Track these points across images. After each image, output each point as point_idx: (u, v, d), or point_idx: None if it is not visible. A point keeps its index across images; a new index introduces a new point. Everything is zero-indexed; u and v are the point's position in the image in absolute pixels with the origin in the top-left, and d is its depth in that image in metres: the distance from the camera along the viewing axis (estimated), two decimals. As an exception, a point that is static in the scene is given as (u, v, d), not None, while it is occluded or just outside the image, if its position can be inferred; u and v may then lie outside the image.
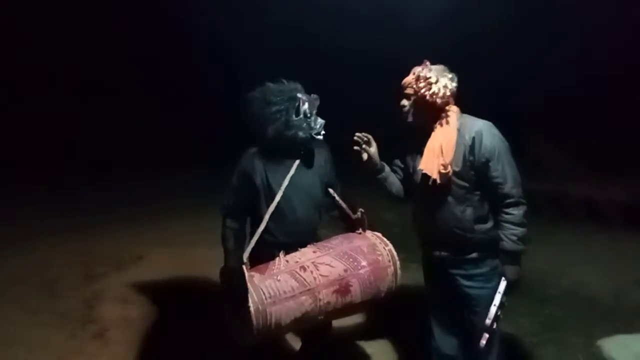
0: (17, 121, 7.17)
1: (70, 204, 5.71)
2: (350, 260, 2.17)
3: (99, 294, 3.62)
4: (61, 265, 4.05)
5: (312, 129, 2.20)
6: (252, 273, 2.07)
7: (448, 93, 2.14)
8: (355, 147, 2.26)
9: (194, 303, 3.35)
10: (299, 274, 2.06)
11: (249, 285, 1.99)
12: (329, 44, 7.21)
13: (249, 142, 2.26)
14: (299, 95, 2.19)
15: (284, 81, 2.23)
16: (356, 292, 2.14)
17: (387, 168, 2.36)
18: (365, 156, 2.27)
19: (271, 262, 2.14)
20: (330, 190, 2.36)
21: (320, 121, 2.22)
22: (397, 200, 2.44)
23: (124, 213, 5.48)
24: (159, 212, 5.57)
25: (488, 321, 2.15)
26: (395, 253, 2.28)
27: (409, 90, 2.18)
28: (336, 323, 2.49)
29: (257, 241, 2.19)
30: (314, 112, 2.21)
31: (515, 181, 2.13)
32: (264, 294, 1.98)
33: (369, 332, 3.20)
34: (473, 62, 5.95)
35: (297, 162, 2.24)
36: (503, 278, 2.17)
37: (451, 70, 2.19)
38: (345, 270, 2.13)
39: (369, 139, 2.27)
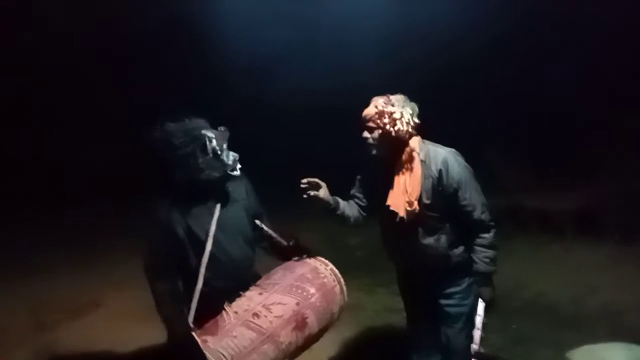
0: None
1: (15, 241, 5.31)
2: (299, 291, 2.09)
3: (50, 346, 3.39)
4: (8, 313, 3.78)
5: (225, 165, 2.03)
6: (204, 337, 1.89)
7: (412, 127, 2.16)
8: (305, 195, 2.18)
9: (155, 352, 3.17)
10: (254, 323, 1.95)
11: (206, 353, 1.81)
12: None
13: (156, 189, 2.07)
14: (204, 132, 2.01)
15: (186, 118, 2.04)
16: (313, 323, 2.08)
17: (340, 203, 2.32)
18: (317, 199, 2.19)
19: (219, 318, 1.98)
20: (257, 222, 2.23)
21: (232, 156, 2.05)
22: (357, 227, 2.43)
23: (75, 253, 5.13)
24: (114, 250, 5.27)
25: (475, 346, 2.23)
26: (337, 271, 2.24)
27: (372, 124, 2.17)
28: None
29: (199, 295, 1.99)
30: (225, 146, 2.04)
31: (483, 206, 2.20)
32: (223, 356, 1.84)
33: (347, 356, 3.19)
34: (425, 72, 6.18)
35: (219, 204, 2.07)
36: (480, 300, 2.25)
37: (410, 99, 2.20)
38: (297, 304, 2.06)
39: (316, 183, 2.19)
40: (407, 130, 2.14)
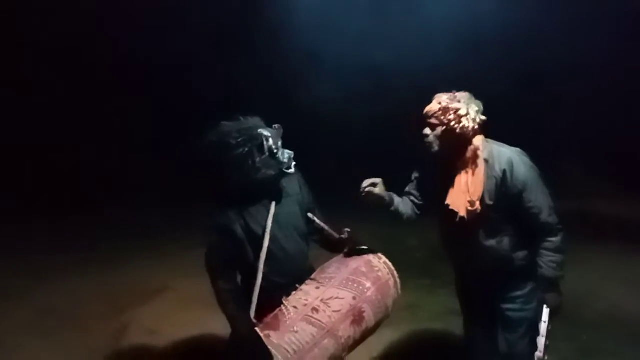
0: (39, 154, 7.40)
1: (94, 235, 5.82)
2: (355, 285, 2.09)
3: (126, 327, 3.66)
4: (89, 298, 4.13)
5: (281, 164, 2.03)
6: (267, 332, 1.94)
7: (477, 125, 2.09)
8: (362, 191, 2.17)
9: (222, 335, 3.34)
10: (314, 318, 1.97)
11: (270, 348, 1.85)
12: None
13: (214, 190, 2.11)
14: (261, 131, 2.01)
15: (241, 118, 2.05)
16: (370, 317, 2.08)
17: (395, 199, 2.30)
18: (372, 195, 2.17)
19: (279, 313, 2.02)
20: (310, 215, 2.23)
21: (287, 154, 2.05)
22: (411, 222, 2.39)
23: (148, 243, 5.54)
24: (182, 241, 5.59)
25: (539, 354, 2.12)
26: (390, 263, 2.21)
27: (434, 121, 2.09)
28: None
29: (252, 289, 2.04)
30: (280, 144, 2.03)
31: (550, 209, 2.10)
32: (287, 352, 1.87)
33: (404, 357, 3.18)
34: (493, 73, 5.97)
35: (274, 200, 2.09)
36: (545, 306, 2.15)
37: (475, 96, 2.13)
38: (354, 298, 2.06)
39: (373, 183, 2.18)
40: (473, 128, 2.07)
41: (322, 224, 2.24)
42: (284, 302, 2.04)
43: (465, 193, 2.09)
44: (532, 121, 6.26)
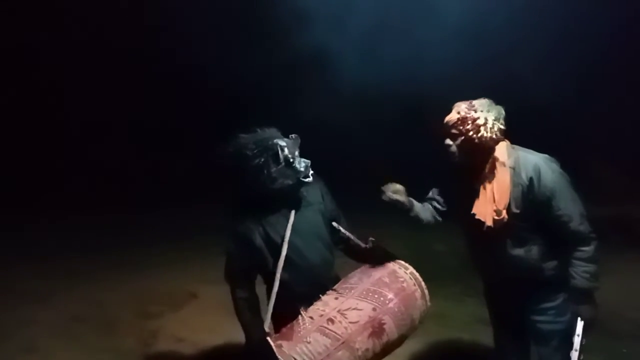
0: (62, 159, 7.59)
1: (121, 240, 5.91)
2: (376, 296, 2.03)
3: (155, 333, 3.71)
4: (118, 304, 4.18)
5: (298, 173, 2.04)
6: (279, 342, 1.93)
7: (497, 133, 2.04)
8: (383, 197, 2.20)
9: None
10: (329, 329, 1.93)
11: (280, 358, 1.84)
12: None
13: (233, 200, 2.13)
14: (276, 141, 2.04)
15: (258, 129, 2.08)
16: (391, 329, 2.02)
17: (415, 205, 2.28)
18: (394, 201, 2.20)
19: (295, 323, 2.00)
20: (334, 224, 2.21)
21: (304, 162, 2.06)
22: (430, 227, 2.36)
23: (175, 249, 5.60)
24: (209, 247, 5.64)
25: None
26: (417, 274, 2.15)
27: (454, 131, 2.07)
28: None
29: (277, 299, 2.04)
30: (297, 153, 2.05)
31: (582, 217, 2.03)
32: None
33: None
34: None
35: (294, 208, 2.09)
36: (579, 318, 2.05)
37: (496, 102, 2.08)
38: (374, 309, 2.00)
39: (395, 189, 2.20)
40: (492, 137, 2.02)
41: (348, 233, 2.21)
42: (302, 312, 2.03)
43: (491, 202, 2.04)
44: (564, 122, 6.07)
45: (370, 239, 2.19)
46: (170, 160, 7.97)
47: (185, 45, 7.16)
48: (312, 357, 1.87)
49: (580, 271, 2.02)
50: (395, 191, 2.19)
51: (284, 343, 1.92)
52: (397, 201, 2.19)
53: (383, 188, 2.21)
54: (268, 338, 1.94)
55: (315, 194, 2.18)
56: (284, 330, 2.01)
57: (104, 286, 4.53)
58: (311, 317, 1.99)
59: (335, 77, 5.93)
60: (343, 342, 1.91)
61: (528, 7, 5.54)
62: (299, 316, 2.01)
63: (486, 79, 4.47)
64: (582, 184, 2.18)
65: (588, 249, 2.02)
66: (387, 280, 2.10)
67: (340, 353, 1.90)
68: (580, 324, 2.05)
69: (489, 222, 2.04)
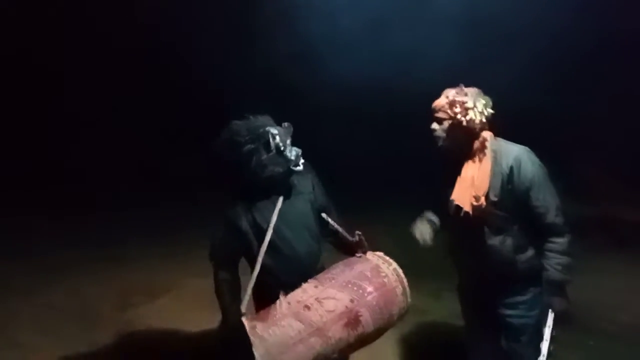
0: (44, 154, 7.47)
1: (102, 234, 5.84)
2: (355, 288, 2.04)
3: (132, 324, 3.68)
4: (96, 296, 4.15)
5: (288, 161, 2.07)
6: (254, 323, 1.95)
7: (484, 119, 2.06)
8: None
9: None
10: (304, 315, 1.95)
11: (251, 337, 1.87)
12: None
13: (225, 186, 2.19)
14: (268, 129, 2.06)
15: (251, 117, 2.11)
16: (367, 322, 2.02)
17: (436, 222, 2.30)
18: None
19: (272, 307, 2.02)
20: (324, 215, 2.24)
21: (295, 151, 2.09)
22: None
23: (156, 242, 5.56)
24: (190, 241, 5.60)
25: (543, 358, 2.06)
26: (400, 271, 2.15)
27: (442, 115, 2.09)
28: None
29: (261, 285, 2.08)
30: (288, 142, 2.09)
31: (557, 209, 2.05)
32: (268, 343, 1.87)
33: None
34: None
35: (282, 195, 2.12)
36: (550, 310, 2.08)
37: (484, 93, 2.11)
38: (352, 301, 2.01)
39: (424, 238, 2.25)
40: (480, 121, 2.04)
41: (336, 226, 2.23)
42: (281, 297, 2.04)
43: (470, 188, 2.05)
44: (550, 122, 6.09)
45: (357, 232, 2.20)
46: (154, 156, 7.88)
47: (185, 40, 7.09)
48: (284, 340, 1.88)
49: (554, 263, 2.05)
50: (423, 232, 2.23)
51: (259, 324, 1.94)
52: (423, 241, 2.24)
53: (416, 226, 2.26)
54: (243, 318, 1.95)
55: (306, 183, 2.20)
56: (261, 313, 2.03)
57: (84, 279, 4.48)
58: (289, 303, 2.01)
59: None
60: (317, 329, 1.92)
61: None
62: (277, 300, 2.03)
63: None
64: (565, 182, 2.18)
65: (562, 241, 2.05)
66: (368, 274, 2.10)
67: (313, 339, 1.91)
68: (551, 316, 2.07)
69: (467, 208, 2.06)
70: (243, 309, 2.01)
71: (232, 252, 2.13)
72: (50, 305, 3.96)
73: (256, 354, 1.81)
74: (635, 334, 3.43)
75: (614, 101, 6.01)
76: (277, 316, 1.96)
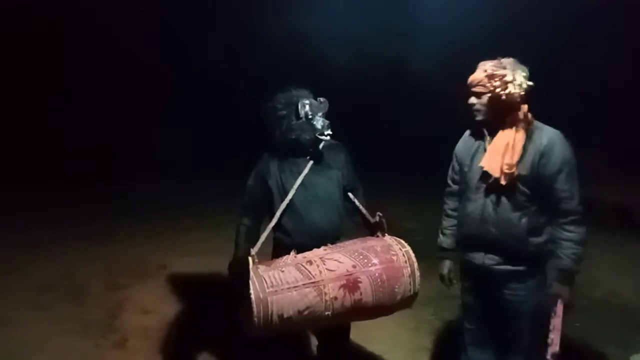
0: (40, 131, 7.40)
1: (94, 212, 5.84)
2: (361, 257, 2.13)
3: (121, 303, 3.67)
4: (86, 274, 4.14)
5: (315, 130, 2.25)
6: (259, 265, 2.09)
7: (523, 92, 2.01)
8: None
9: (215, 314, 3.35)
10: (304, 267, 2.07)
11: (252, 274, 2.02)
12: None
13: (264, 147, 2.38)
14: (301, 99, 2.28)
15: (291, 89, 2.33)
16: (366, 290, 2.08)
17: (453, 242, 2.37)
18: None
19: (280, 258, 2.17)
20: (350, 195, 2.38)
21: (323, 122, 2.27)
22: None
23: (147, 221, 5.56)
24: (180, 220, 5.64)
25: (556, 348, 2.04)
26: (412, 255, 2.20)
27: (480, 89, 2.06)
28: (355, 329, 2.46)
29: (276, 243, 2.30)
30: (319, 114, 2.28)
31: (580, 198, 2.04)
32: (265, 282, 1.99)
33: (392, 340, 3.19)
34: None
35: (310, 163, 2.29)
36: (559, 300, 2.05)
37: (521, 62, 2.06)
38: (354, 266, 2.09)
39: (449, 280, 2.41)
40: (519, 94, 2.01)
41: (359, 205, 2.38)
42: (292, 254, 2.19)
43: (503, 156, 2.02)
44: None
45: (378, 213, 2.34)
46: (146, 133, 7.82)
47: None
48: (280, 283, 2.00)
49: (570, 253, 2.03)
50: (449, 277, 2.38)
51: (262, 266, 2.09)
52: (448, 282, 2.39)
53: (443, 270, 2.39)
54: (250, 257, 2.09)
55: (338, 159, 2.37)
56: (268, 261, 2.18)
57: (73, 257, 4.47)
58: (295, 257, 2.16)
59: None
60: (313, 282, 2.02)
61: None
62: (287, 255, 2.18)
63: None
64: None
65: (580, 231, 2.03)
66: (378, 249, 2.19)
67: (307, 290, 2.01)
68: (560, 306, 2.04)
69: (497, 174, 2.02)
70: (254, 250, 2.14)
71: (256, 202, 2.32)
72: (42, 283, 3.94)
73: (251, 287, 1.96)
74: (606, 309, 3.57)
75: (595, 86, 6.08)
76: (280, 264, 2.11)
